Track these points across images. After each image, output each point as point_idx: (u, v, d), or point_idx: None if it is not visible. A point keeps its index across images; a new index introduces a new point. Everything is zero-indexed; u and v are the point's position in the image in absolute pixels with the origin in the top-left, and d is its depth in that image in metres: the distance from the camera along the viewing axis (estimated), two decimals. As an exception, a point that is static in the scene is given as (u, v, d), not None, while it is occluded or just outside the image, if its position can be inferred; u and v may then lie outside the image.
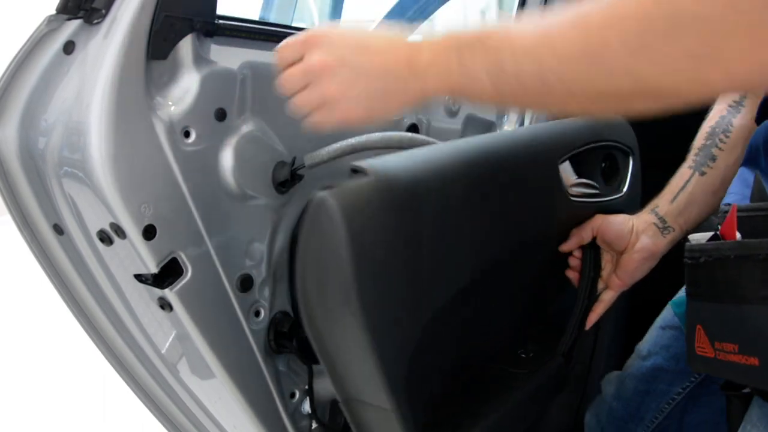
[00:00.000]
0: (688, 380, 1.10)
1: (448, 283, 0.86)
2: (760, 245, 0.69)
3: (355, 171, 0.77)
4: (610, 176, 1.15)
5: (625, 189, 1.15)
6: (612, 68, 0.54)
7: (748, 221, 0.76)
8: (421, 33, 0.74)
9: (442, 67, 0.65)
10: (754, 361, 0.71)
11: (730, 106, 1.04)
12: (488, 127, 1.48)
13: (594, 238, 1.06)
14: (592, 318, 1.08)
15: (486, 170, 0.90)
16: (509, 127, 1.53)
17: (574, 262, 1.08)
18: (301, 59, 0.71)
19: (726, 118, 1.03)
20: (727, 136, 1.01)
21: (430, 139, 1.00)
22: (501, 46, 0.61)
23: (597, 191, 1.10)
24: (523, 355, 1.11)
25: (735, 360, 0.74)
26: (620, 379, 1.18)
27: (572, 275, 1.08)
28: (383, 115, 0.71)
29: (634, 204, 1.18)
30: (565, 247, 1.05)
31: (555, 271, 1.08)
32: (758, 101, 1.00)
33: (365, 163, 0.77)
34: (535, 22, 0.60)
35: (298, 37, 0.73)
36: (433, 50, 0.66)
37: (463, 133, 1.37)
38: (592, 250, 1.07)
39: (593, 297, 1.07)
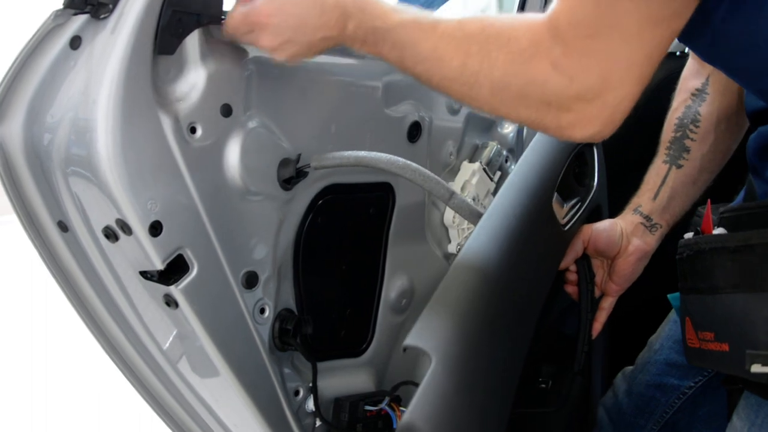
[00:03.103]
0: (700, 374, 1.09)
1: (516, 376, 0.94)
2: (731, 237, 0.74)
3: (406, 349, 0.79)
4: (583, 176, 1.15)
5: (595, 183, 1.15)
6: (479, 97, 0.76)
7: (735, 219, 0.78)
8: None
9: (363, 36, 0.83)
10: (725, 347, 0.74)
11: (693, 95, 1.03)
12: (489, 125, 1.48)
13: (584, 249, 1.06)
14: (597, 327, 1.08)
15: (516, 253, 0.94)
16: (509, 127, 1.53)
17: (572, 276, 1.08)
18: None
19: (692, 108, 1.03)
20: (697, 126, 1.02)
21: (431, 174, 1.00)
22: (405, 45, 0.79)
23: (580, 202, 1.10)
24: (544, 385, 1.12)
25: (712, 348, 0.76)
26: (633, 374, 1.18)
27: (571, 289, 1.09)
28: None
29: (604, 192, 1.19)
30: (563, 265, 1.06)
31: (555, 290, 1.09)
32: (720, 88, 1.00)
33: (420, 341, 0.78)
34: (430, 23, 0.78)
35: (247, 15, 0.84)
36: (356, 23, 0.82)
37: (465, 130, 1.37)
38: (584, 261, 1.07)
39: (594, 307, 1.08)
